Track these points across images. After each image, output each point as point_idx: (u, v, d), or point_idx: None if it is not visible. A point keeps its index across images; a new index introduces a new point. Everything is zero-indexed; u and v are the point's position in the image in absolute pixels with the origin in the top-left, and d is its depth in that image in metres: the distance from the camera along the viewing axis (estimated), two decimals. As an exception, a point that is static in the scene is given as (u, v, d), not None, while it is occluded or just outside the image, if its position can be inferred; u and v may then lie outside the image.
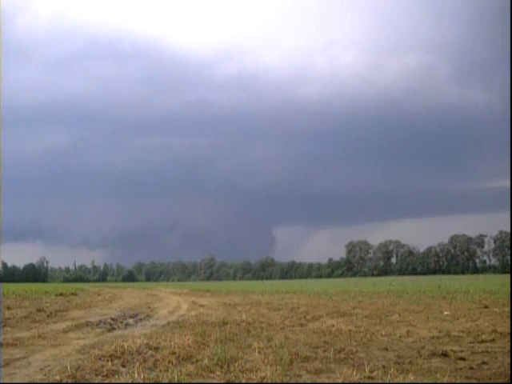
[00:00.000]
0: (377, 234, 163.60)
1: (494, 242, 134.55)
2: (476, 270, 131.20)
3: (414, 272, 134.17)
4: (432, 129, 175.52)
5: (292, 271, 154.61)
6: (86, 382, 6.11)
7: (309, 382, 6.18)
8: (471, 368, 6.87)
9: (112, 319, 14.15)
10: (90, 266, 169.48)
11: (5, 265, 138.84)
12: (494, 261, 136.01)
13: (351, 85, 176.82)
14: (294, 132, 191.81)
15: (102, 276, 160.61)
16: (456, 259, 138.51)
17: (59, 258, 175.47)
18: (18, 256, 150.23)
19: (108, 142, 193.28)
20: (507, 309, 14.79)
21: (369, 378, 6.23)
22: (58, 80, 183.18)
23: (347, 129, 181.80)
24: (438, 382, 5.96)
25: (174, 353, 7.72)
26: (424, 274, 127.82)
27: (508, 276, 58.33)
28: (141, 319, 14.54)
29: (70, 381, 6.07)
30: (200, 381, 6.20)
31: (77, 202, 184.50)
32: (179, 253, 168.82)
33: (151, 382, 6.00)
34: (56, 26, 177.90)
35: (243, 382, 6.09)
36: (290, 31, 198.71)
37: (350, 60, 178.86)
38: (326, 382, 6.18)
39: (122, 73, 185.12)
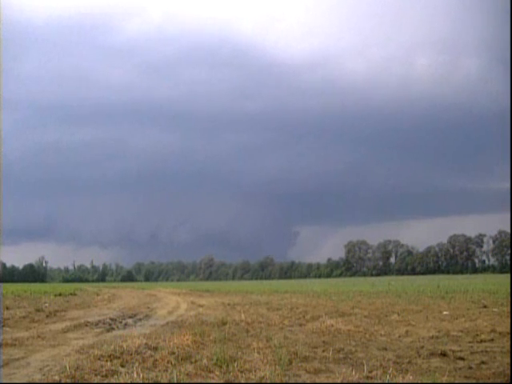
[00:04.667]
0: (376, 234, 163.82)
1: (493, 241, 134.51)
2: (475, 270, 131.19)
3: (413, 272, 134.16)
4: (439, 130, 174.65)
5: (291, 271, 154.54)
6: (85, 382, 6.11)
7: (308, 381, 6.18)
8: (470, 368, 6.87)
9: (111, 319, 14.14)
10: (89, 266, 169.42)
11: (4, 265, 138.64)
12: (493, 261, 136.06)
13: (418, 90, 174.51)
14: (327, 134, 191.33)
15: (101, 276, 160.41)
16: (455, 259, 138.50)
17: (58, 258, 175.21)
18: (19, 256, 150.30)
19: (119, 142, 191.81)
20: (506, 308, 14.80)
21: (368, 377, 6.23)
22: (143, 83, 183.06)
23: (373, 130, 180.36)
24: (437, 381, 5.96)
25: (173, 353, 7.73)
26: (423, 273, 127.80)
27: (507, 276, 58.47)
28: (140, 319, 14.54)
29: (68, 381, 6.07)
30: (199, 381, 6.20)
31: (83, 201, 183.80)
32: (194, 252, 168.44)
33: (150, 381, 5.99)
34: (163, 29, 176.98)
35: (242, 381, 6.09)
36: (372, 39, 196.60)
37: (423, 64, 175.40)
38: (325, 381, 6.18)
39: (213, 79, 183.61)
